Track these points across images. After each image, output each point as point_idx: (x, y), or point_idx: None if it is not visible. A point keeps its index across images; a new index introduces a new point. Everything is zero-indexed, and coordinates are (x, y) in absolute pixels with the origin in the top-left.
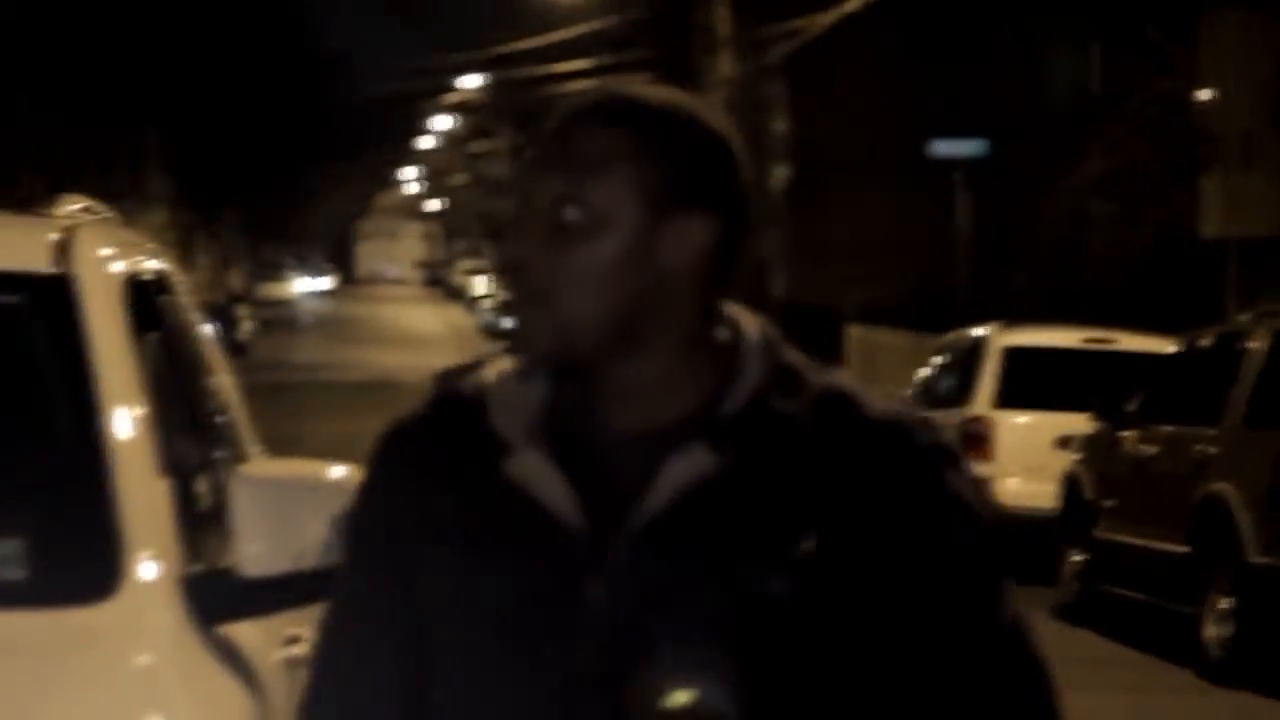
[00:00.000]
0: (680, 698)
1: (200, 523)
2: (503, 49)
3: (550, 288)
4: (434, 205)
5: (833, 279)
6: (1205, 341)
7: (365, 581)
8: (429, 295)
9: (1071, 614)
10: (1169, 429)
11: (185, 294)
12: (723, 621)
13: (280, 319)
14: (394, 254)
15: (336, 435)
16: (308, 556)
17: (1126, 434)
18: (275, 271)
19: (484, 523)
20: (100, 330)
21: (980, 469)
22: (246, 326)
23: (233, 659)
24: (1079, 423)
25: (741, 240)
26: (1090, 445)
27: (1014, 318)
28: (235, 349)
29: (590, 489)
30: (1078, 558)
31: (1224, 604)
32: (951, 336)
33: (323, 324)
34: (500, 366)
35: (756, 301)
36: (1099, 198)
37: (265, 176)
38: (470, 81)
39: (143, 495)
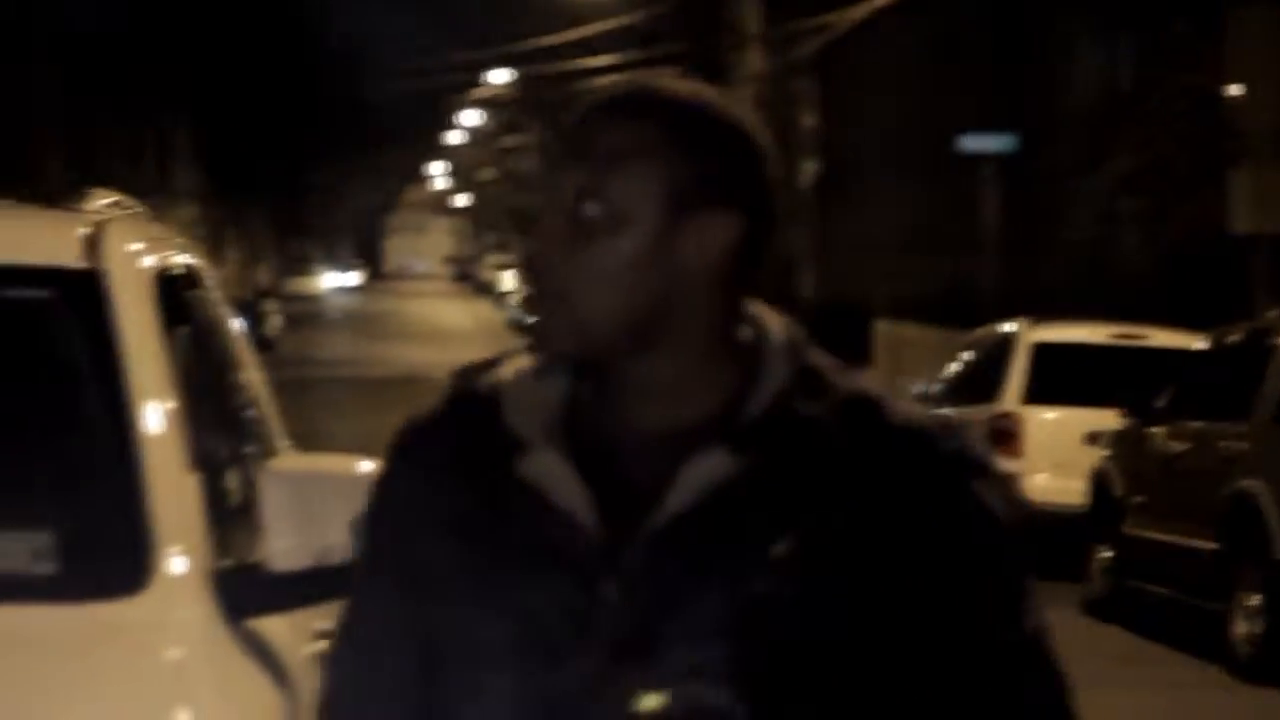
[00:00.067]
0: (650, 701)
1: (229, 517)
2: (531, 44)
3: (569, 284)
4: (462, 200)
5: (861, 274)
6: (1234, 337)
7: (378, 581)
8: (457, 290)
9: (1100, 610)
10: (1198, 425)
11: (214, 289)
12: (733, 625)
13: (308, 314)
14: (421, 249)
15: (364, 430)
16: (336, 551)
17: (1155, 430)
18: (303, 266)
19: (496, 522)
20: (130, 325)
21: (1009, 465)
22: (274, 322)
23: (262, 654)
24: (1108, 419)
25: (766, 239)
26: (1119, 441)
27: (1042, 313)
28: (263, 344)
29: (607, 489)
30: (1106, 554)
31: (1253, 601)
32: (980, 332)
33: (350, 319)
34: (519, 364)
35: (784, 298)
36: (1127, 193)
37: (293, 171)
38: (498, 77)
39: (172, 490)
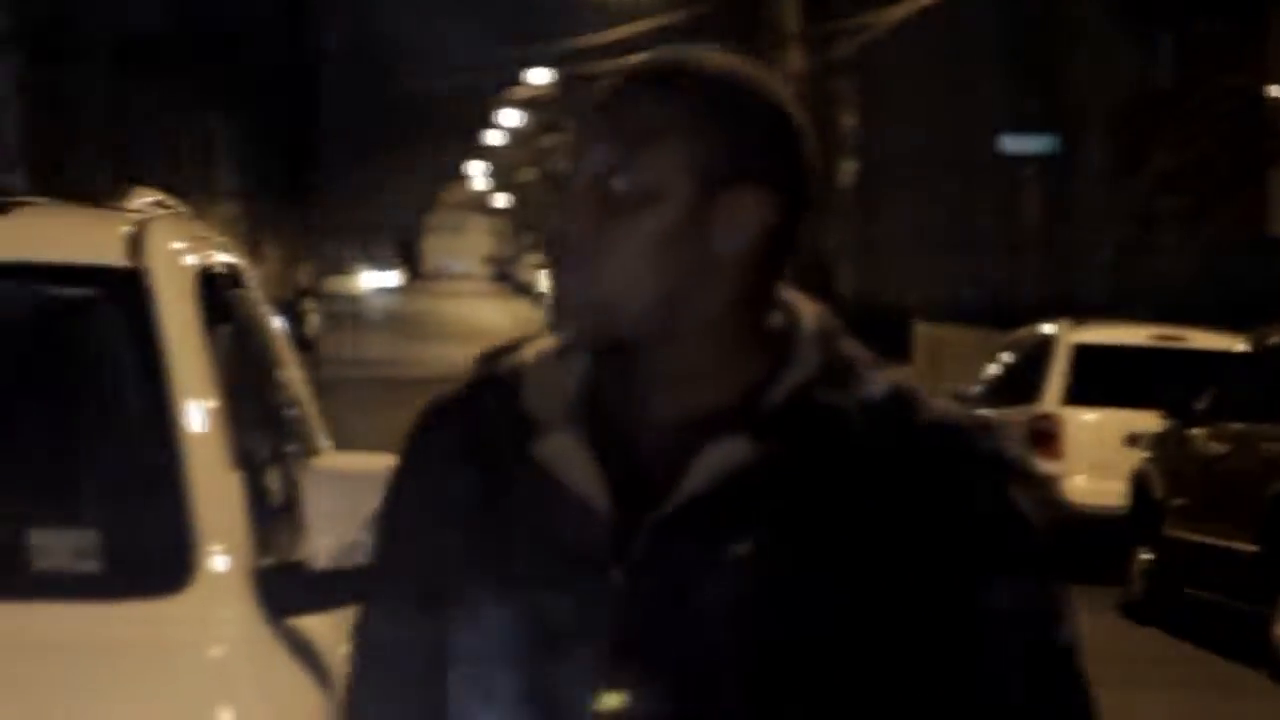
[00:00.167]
0: (611, 700)
1: (271, 516)
2: (571, 44)
3: (593, 261)
4: (501, 200)
5: (900, 275)
6: (1275, 339)
7: (391, 582)
8: (496, 290)
9: (1140, 613)
10: (1239, 427)
11: (255, 288)
12: (736, 616)
13: (347, 314)
14: (460, 249)
15: (402, 430)
16: None
17: (1196, 432)
18: (343, 266)
19: (510, 505)
20: (172, 323)
21: (1049, 467)
22: (314, 321)
23: (303, 652)
24: (1148, 420)
25: (800, 220)
26: (1159, 443)
27: (1082, 314)
28: (302, 344)
29: (623, 476)
30: (1146, 556)
31: None
32: (1020, 333)
33: (389, 319)
34: (540, 346)
35: (823, 298)
36: (1167, 193)
37: (333, 170)
38: (539, 77)
39: (214, 488)
